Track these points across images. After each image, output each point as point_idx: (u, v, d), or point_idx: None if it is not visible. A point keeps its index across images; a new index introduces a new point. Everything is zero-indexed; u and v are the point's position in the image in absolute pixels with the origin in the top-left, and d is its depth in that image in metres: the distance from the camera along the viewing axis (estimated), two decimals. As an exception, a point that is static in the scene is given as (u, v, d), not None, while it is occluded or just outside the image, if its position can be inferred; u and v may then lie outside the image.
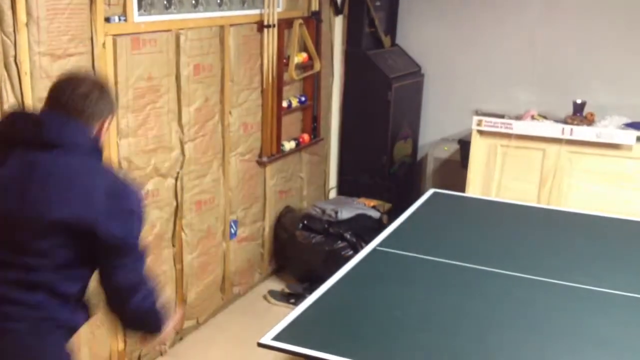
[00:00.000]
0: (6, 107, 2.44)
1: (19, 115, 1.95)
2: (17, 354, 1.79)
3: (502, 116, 4.45)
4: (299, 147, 4.40)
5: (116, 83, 2.88)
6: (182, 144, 3.34)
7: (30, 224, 1.77)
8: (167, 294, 3.39)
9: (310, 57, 4.31)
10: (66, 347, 1.89)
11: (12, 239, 1.80)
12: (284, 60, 4.05)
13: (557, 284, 2.66)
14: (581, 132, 4.00)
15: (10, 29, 2.41)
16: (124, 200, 1.84)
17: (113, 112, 1.97)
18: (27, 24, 2.45)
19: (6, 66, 2.43)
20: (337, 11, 4.72)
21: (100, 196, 1.79)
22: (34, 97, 2.52)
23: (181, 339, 3.58)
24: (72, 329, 1.92)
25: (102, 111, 1.90)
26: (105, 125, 1.94)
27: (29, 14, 2.46)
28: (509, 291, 2.61)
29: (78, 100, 1.86)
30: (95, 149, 1.89)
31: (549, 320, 2.39)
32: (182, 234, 3.44)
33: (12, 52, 2.43)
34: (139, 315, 1.92)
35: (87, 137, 1.87)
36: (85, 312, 1.96)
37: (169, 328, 2.03)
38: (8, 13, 2.40)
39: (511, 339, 2.26)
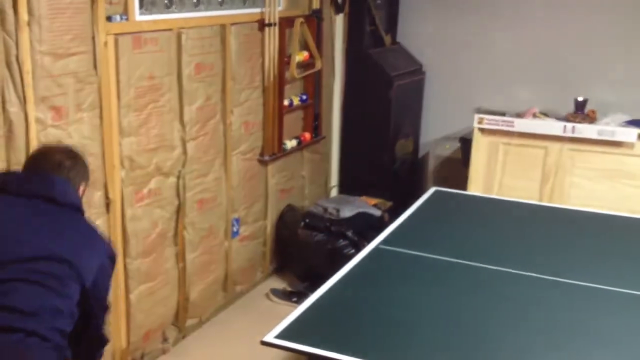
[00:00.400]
0: (8, 106, 2.44)
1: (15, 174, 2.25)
2: None
3: (503, 114, 4.44)
4: (301, 145, 4.40)
5: (118, 82, 2.88)
6: (183, 142, 3.34)
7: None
8: (169, 292, 3.40)
9: (311, 56, 4.31)
10: None
11: None
12: (285, 59, 4.05)
13: (560, 282, 2.66)
14: (583, 129, 4.00)
15: (12, 28, 2.42)
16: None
17: (87, 180, 2.23)
18: (28, 23, 2.46)
19: (8, 65, 2.43)
20: (338, 9, 4.72)
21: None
22: (36, 97, 2.53)
23: (184, 337, 3.58)
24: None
25: (75, 178, 2.14)
26: (80, 192, 2.17)
27: (30, 13, 2.46)
28: (512, 289, 2.61)
29: (53, 168, 2.09)
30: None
31: (551, 318, 2.39)
32: (185, 232, 3.44)
33: (14, 51, 2.43)
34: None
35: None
36: None
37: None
38: (10, 12, 2.40)
39: (513, 336, 2.26)
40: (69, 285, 1.91)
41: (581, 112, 4.35)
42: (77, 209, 2.11)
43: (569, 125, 4.05)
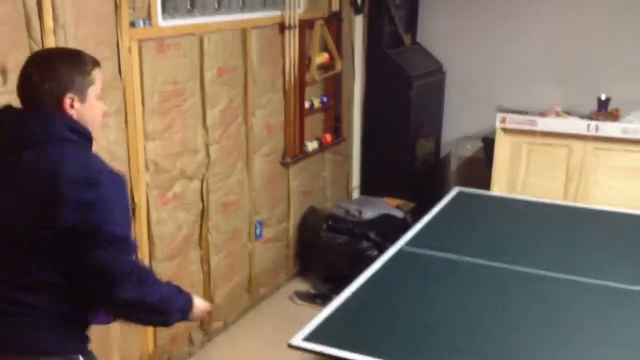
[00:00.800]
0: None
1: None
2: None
3: (525, 113, 4.41)
4: (322, 147, 4.40)
5: (142, 87, 2.90)
6: (207, 146, 3.36)
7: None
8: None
9: (331, 57, 4.31)
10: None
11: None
12: (306, 61, 4.06)
13: (585, 282, 2.64)
14: (607, 128, 3.96)
15: (38, 35, 2.44)
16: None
17: (72, 87, 1.75)
18: (54, 30, 2.48)
19: (35, 72, 2.45)
20: (357, 10, 4.72)
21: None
22: (62, 103, 2.54)
23: (210, 340, 3.59)
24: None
25: (52, 93, 1.74)
26: (65, 106, 1.76)
27: (55, 20, 2.48)
28: (536, 289, 2.60)
29: (27, 98, 1.77)
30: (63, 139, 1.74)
31: (577, 319, 2.37)
32: (209, 235, 3.46)
33: (40, 59, 2.45)
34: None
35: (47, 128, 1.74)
36: None
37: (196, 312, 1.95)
38: (35, 19, 2.42)
39: (538, 337, 2.24)
40: None
41: (604, 110, 4.32)
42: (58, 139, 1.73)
43: (593, 123, 4.02)
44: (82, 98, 1.78)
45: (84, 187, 1.70)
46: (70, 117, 1.77)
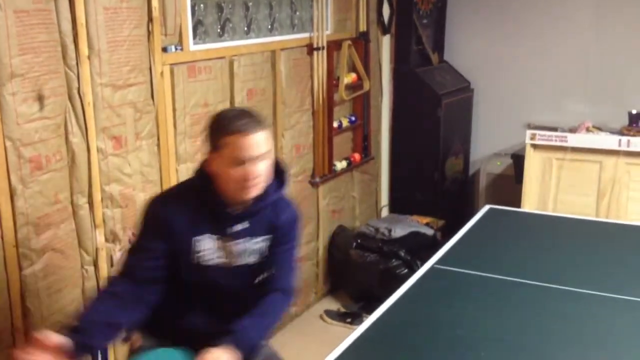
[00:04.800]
0: (71, 137, 2.53)
1: None
2: None
3: (555, 129, 4.39)
4: (351, 166, 4.42)
5: (174, 110, 2.96)
6: (237, 167, 3.39)
7: None
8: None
9: (359, 77, 4.34)
10: None
11: None
12: (334, 81, 4.09)
13: (620, 299, 2.60)
14: (638, 143, 3.92)
15: (73, 62, 2.51)
16: None
17: (213, 146, 1.99)
18: (89, 57, 2.55)
19: (70, 98, 2.52)
20: (385, 30, 4.75)
21: None
22: (97, 127, 2.61)
23: None
24: None
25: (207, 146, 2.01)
26: (209, 155, 2.00)
27: (90, 47, 2.55)
28: (571, 307, 2.56)
29: None
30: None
31: (614, 337, 2.33)
32: (239, 256, 3.48)
33: (75, 84, 2.52)
34: None
35: None
36: None
37: None
38: (71, 47, 2.49)
39: (575, 355, 2.21)
40: None
41: (636, 125, 4.27)
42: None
43: (624, 138, 3.99)
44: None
45: None
46: None
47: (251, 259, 2.08)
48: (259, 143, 1.94)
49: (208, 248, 2.02)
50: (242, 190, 1.97)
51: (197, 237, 2.01)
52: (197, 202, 2.02)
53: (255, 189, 1.99)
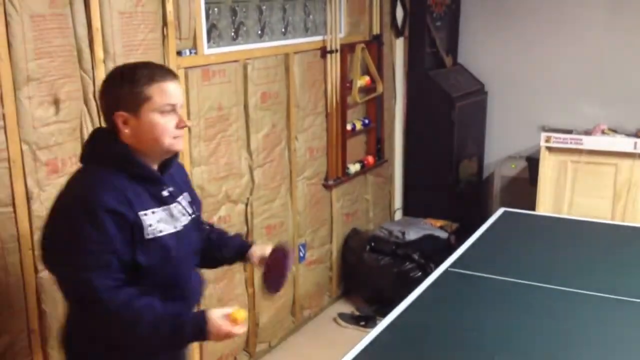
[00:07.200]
0: (86, 141, 2.54)
1: None
2: None
3: (569, 131, 4.37)
4: (364, 169, 4.42)
5: (188, 113, 2.97)
6: (251, 170, 3.41)
7: None
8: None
9: (372, 80, 4.34)
10: None
11: None
12: (347, 84, 4.10)
13: (635, 302, 2.58)
14: (655, 145, 3.90)
15: (89, 66, 2.52)
16: None
17: (132, 103, 1.79)
18: (104, 61, 2.56)
19: (86, 102, 2.53)
20: (398, 33, 4.75)
21: None
22: (112, 131, 2.62)
23: (254, 362, 3.62)
24: None
25: (108, 106, 1.84)
26: (119, 121, 1.81)
27: (106, 51, 2.56)
28: (586, 310, 2.55)
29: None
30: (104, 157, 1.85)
31: (627, 340, 2.31)
32: (253, 258, 3.49)
33: (91, 88, 2.53)
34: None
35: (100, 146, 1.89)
36: None
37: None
38: (86, 51, 2.51)
39: (589, 358, 2.20)
40: None
41: (652, 127, 4.25)
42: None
43: (640, 141, 3.96)
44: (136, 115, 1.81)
45: None
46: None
47: (190, 216, 2.00)
48: (178, 88, 1.89)
49: (156, 219, 1.86)
50: (174, 140, 1.88)
51: (142, 212, 1.84)
52: (125, 177, 1.83)
53: (182, 139, 1.94)
